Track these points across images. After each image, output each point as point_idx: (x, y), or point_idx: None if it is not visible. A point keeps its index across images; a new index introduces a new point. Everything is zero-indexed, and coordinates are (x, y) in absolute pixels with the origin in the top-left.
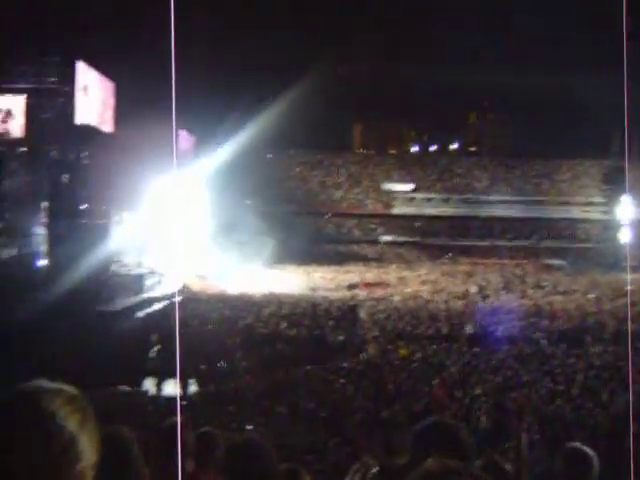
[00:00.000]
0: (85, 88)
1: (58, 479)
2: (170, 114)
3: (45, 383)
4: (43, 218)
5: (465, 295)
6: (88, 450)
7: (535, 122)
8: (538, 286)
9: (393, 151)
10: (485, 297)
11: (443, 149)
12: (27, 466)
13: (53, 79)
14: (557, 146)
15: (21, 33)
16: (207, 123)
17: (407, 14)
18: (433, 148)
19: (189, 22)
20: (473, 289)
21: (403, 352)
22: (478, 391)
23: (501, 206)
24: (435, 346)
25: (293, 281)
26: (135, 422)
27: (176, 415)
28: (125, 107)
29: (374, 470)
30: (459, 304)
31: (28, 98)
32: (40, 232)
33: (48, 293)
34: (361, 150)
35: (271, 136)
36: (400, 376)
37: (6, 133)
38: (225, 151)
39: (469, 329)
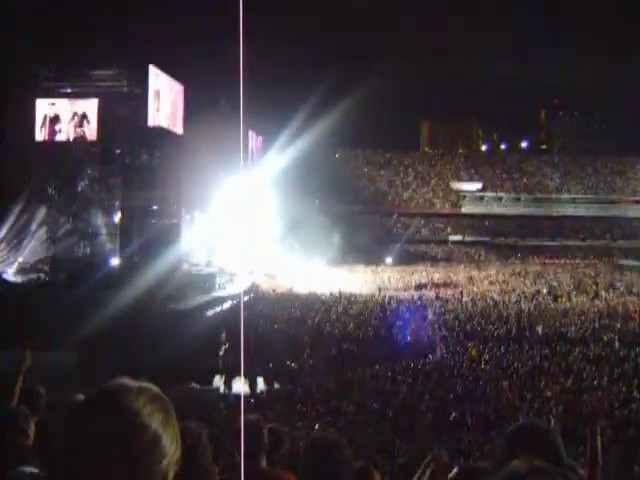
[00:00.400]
0: (156, 91)
1: (141, 476)
2: (238, 115)
3: (128, 381)
4: (116, 218)
5: (535, 296)
6: (171, 447)
7: (608, 119)
8: (611, 287)
9: (462, 150)
10: (556, 298)
11: (513, 147)
12: (111, 464)
13: (125, 83)
14: (631, 143)
15: (93, 38)
16: (275, 123)
17: (474, 13)
18: (503, 147)
19: (256, 23)
20: (544, 290)
21: (473, 353)
22: (548, 394)
23: (572, 205)
24: (504, 347)
25: (361, 280)
26: (205, 419)
27: (247, 412)
28: (194, 109)
29: (455, 471)
30: (529, 305)
31: (101, 102)
32: (113, 232)
33: (120, 292)
34: (429, 149)
35: (339, 135)
36: (468, 377)
37: (81, 136)
38: (293, 151)
39: (540, 330)
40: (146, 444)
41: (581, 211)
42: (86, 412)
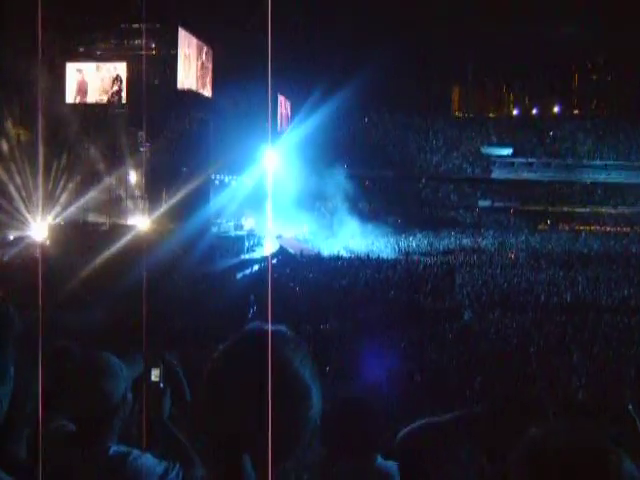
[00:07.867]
0: (186, 54)
1: (290, 427)
2: (267, 79)
3: (282, 326)
4: (144, 182)
5: (566, 263)
6: (318, 400)
7: None
8: None
9: (492, 114)
10: (586, 265)
11: (544, 112)
12: (262, 415)
13: (155, 46)
14: None
15: (123, 1)
16: (304, 87)
17: None
18: (534, 111)
19: None
20: (574, 257)
21: (504, 320)
22: (578, 360)
23: (605, 171)
24: (532, 314)
25: (389, 245)
26: None
27: None
28: (223, 72)
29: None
30: (559, 272)
31: (131, 65)
32: (142, 195)
33: (150, 254)
34: (459, 113)
35: (368, 100)
36: (495, 343)
37: (111, 100)
38: (321, 115)
39: (569, 297)
40: (298, 396)
41: (613, 177)
42: (238, 357)
